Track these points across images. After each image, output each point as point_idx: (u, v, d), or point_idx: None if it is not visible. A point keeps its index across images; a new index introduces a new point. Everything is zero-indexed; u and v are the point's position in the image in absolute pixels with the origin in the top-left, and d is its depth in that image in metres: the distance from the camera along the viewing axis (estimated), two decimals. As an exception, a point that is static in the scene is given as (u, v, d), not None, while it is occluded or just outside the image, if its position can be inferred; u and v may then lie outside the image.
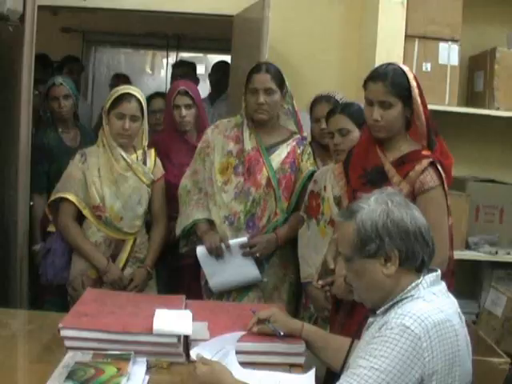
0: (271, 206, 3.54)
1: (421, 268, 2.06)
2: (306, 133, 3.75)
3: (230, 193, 3.56)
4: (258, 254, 3.49)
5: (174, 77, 5.70)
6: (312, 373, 2.34)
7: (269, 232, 3.53)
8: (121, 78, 6.47)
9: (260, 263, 3.54)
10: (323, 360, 2.43)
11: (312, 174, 3.56)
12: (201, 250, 3.54)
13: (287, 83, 3.59)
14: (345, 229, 2.11)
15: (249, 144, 3.58)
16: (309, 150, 3.65)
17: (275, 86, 3.52)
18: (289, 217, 3.58)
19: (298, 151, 3.61)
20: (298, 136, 3.66)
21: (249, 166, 3.55)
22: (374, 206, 2.06)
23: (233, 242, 3.51)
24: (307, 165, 3.61)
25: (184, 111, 4.00)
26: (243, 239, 3.51)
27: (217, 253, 3.51)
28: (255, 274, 3.52)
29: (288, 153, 3.59)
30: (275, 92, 3.52)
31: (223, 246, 3.49)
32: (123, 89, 3.65)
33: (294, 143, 3.62)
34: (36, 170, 4.10)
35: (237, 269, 3.51)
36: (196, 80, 5.84)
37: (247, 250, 3.49)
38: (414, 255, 2.03)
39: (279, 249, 3.58)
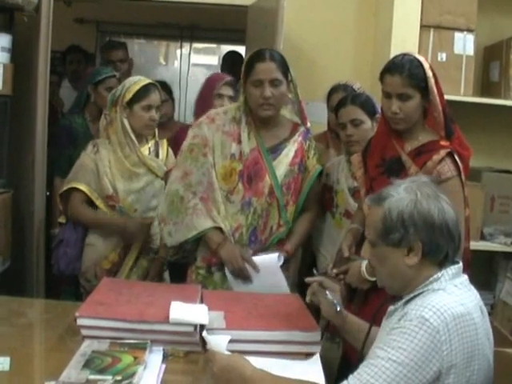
0: (273, 217, 3.21)
1: (444, 261, 2.05)
2: (310, 123, 3.46)
3: (236, 204, 3.21)
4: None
5: (109, 62, 4.96)
6: (317, 357, 2.34)
7: (272, 244, 3.23)
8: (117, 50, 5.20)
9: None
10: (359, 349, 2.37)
11: (320, 173, 3.32)
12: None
13: (291, 70, 3.24)
14: (372, 214, 2.12)
15: (247, 145, 3.21)
16: (314, 144, 3.33)
17: (281, 76, 3.14)
18: (295, 219, 3.29)
19: (305, 147, 3.29)
20: (303, 129, 3.33)
21: (248, 172, 3.19)
22: (403, 194, 2.05)
23: (260, 259, 3.15)
24: (313, 162, 3.30)
25: (227, 102, 3.90)
26: (273, 259, 3.13)
27: (243, 275, 3.13)
28: (284, 289, 3.14)
29: (296, 151, 3.25)
30: (282, 83, 3.15)
31: (248, 266, 3.12)
32: (143, 80, 3.60)
33: (300, 138, 3.28)
34: (62, 153, 4.14)
35: (265, 282, 3.11)
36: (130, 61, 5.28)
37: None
38: (438, 248, 2.03)
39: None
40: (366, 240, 2.16)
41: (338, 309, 2.38)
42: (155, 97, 3.55)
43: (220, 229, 3.19)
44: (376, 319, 2.22)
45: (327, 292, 2.40)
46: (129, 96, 3.53)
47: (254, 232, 3.21)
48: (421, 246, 2.02)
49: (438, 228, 2.01)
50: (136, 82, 3.59)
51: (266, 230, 3.22)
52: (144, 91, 3.53)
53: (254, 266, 3.12)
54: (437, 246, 2.02)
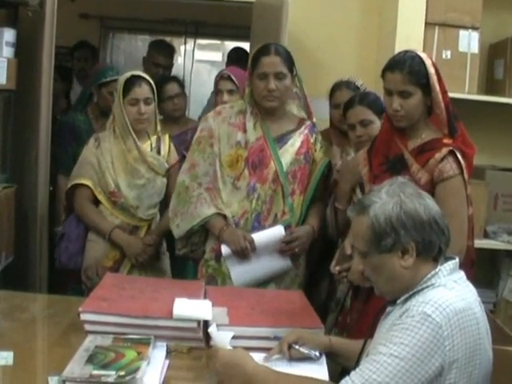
0: (278, 204, 3.25)
1: (438, 257, 2.04)
2: (315, 118, 3.52)
3: (242, 190, 3.26)
4: (296, 250, 3.22)
5: (153, 64, 5.08)
6: (323, 360, 2.34)
7: None
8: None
9: (295, 259, 3.28)
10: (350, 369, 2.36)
11: (327, 165, 3.37)
12: (226, 250, 3.21)
13: (296, 65, 3.31)
14: (358, 224, 2.07)
15: (253, 134, 3.27)
16: (320, 137, 3.40)
17: (286, 70, 3.22)
18: (304, 211, 3.31)
19: (311, 140, 3.35)
20: (309, 123, 3.41)
21: (253, 159, 3.25)
22: (386, 199, 2.03)
23: (259, 235, 3.20)
24: (321, 154, 3.36)
25: (226, 96, 3.82)
26: (277, 230, 3.21)
27: (243, 254, 3.19)
28: (285, 263, 3.24)
29: (302, 142, 3.32)
30: (286, 76, 3.22)
31: (249, 245, 3.17)
32: (128, 74, 3.58)
33: (307, 131, 3.36)
34: (66, 151, 4.17)
35: (267, 261, 3.22)
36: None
37: (285, 246, 3.20)
38: (431, 244, 2.02)
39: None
40: (356, 253, 2.13)
41: (317, 354, 2.33)
42: (140, 90, 3.52)
43: (223, 216, 3.25)
44: (377, 321, 2.21)
45: (296, 347, 2.33)
46: (120, 92, 3.52)
47: (257, 218, 3.25)
48: (414, 245, 2.00)
49: (428, 224, 2.00)
50: (123, 77, 3.58)
51: (269, 216, 3.25)
52: (127, 86, 3.51)
53: (254, 249, 3.18)
54: (429, 242, 2.01)
